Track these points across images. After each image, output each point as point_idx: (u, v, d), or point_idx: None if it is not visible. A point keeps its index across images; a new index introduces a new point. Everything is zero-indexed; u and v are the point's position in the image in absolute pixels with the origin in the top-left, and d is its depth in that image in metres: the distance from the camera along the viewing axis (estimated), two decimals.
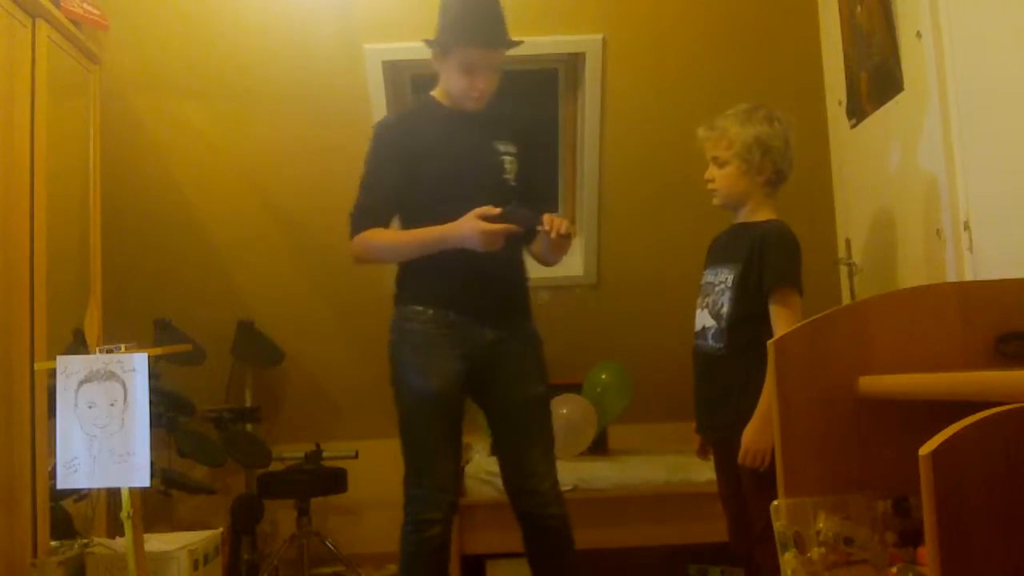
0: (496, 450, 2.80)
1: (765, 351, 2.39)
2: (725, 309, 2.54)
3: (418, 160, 2.63)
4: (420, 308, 2.65)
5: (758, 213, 2.60)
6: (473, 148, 2.68)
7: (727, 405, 2.53)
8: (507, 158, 2.71)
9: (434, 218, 2.58)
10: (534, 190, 2.75)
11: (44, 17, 2.98)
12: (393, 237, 2.66)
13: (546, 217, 2.52)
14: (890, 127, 2.86)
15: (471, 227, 2.50)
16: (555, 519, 2.69)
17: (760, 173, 2.56)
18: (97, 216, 3.41)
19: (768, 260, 2.49)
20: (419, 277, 2.67)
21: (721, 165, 2.60)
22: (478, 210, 2.50)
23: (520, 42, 2.65)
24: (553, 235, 2.50)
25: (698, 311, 2.65)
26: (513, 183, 2.69)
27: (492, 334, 2.66)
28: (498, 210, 2.50)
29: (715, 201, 2.65)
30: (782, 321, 2.44)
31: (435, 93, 2.76)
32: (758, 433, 2.41)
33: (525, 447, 2.69)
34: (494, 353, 2.66)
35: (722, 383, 2.56)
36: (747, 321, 2.51)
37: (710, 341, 2.58)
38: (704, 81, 3.72)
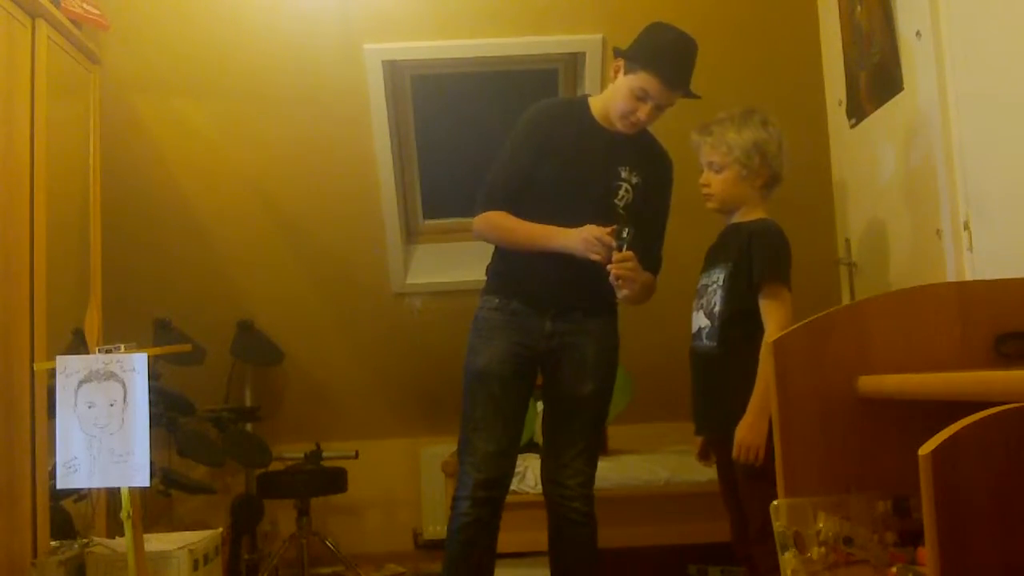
0: (543, 439, 2.91)
1: (758, 347, 2.42)
2: (718, 307, 2.56)
3: (544, 156, 2.70)
4: (489, 297, 2.78)
5: (750, 214, 2.62)
6: (595, 165, 2.72)
7: (722, 402, 2.54)
8: (624, 185, 2.73)
9: (533, 216, 2.68)
10: (640, 225, 2.71)
11: (44, 17, 2.98)
12: (513, 225, 2.71)
13: (617, 255, 2.52)
14: (890, 127, 2.85)
15: (580, 230, 2.56)
16: (578, 514, 2.75)
17: (758, 177, 2.59)
18: (97, 216, 3.41)
19: (756, 256, 2.51)
20: (496, 270, 2.80)
21: (719, 170, 2.61)
22: (592, 229, 2.55)
23: (697, 96, 2.67)
24: (612, 269, 2.52)
25: (694, 313, 2.66)
26: (621, 211, 2.71)
27: (552, 326, 2.73)
28: (612, 227, 2.55)
29: (709, 205, 2.66)
30: (772, 316, 2.46)
31: (593, 99, 2.82)
32: (751, 428, 2.42)
33: (565, 440, 2.77)
34: (553, 346, 2.74)
35: (717, 381, 2.57)
36: (739, 317, 2.52)
37: (704, 340, 2.59)
38: (703, 81, 3.71)
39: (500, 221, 2.72)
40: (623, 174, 2.72)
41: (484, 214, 2.74)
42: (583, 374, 2.74)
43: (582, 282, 2.69)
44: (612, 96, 2.71)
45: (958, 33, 2.39)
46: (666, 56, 2.64)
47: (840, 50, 3.21)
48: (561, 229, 2.62)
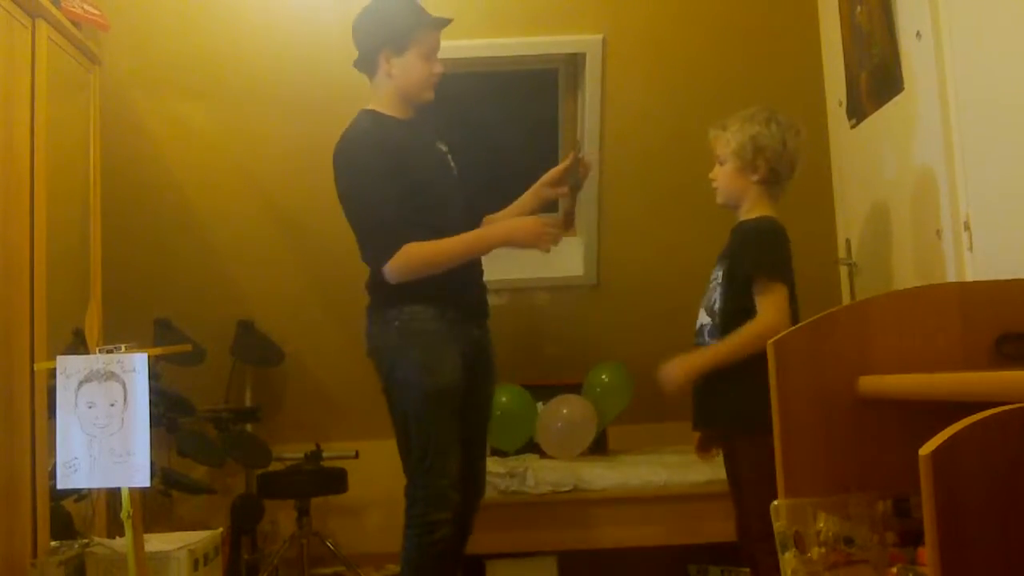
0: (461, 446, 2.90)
1: None
2: (717, 305, 2.59)
3: (398, 170, 2.68)
4: (420, 307, 2.67)
5: (753, 211, 2.64)
6: (429, 151, 2.82)
7: (722, 398, 2.56)
8: (448, 155, 2.87)
9: (420, 226, 2.65)
10: (465, 181, 2.93)
11: (44, 17, 2.98)
12: (438, 246, 2.66)
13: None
14: (890, 127, 2.86)
15: (520, 224, 2.71)
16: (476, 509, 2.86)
17: (755, 172, 2.61)
18: (97, 216, 3.41)
19: (749, 252, 2.54)
20: (422, 279, 2.68)
21: (722, 163, 2.66)
22: (538, 218, 2.72)
23: (449, 20, 2.79)
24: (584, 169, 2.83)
25: (699, 310, 2.67)
26: (457, 176, 2.87)
27: (477, 332, 2.81)
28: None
29: (717, 199, 2.69)
30: (764, 310, 2.47)
31: (375, 107, 2.80)
32: (682, 364, 2.54)
33: (480, 441, 2.89)
34: (478, 351, 2.79)
35: (716, 378, 2.58)
36: (738, 315, 2.53)
37: (706, 337, 2.61)
38: (704, 81, 3.72)
39: (425, 249, 2.65)
40: (443, 148, 2.86)
41: (401, 253, 2.63)
42: (492, 377, 2.89)
43: (484, 283, 2.86)
44: (403, 81, 2.75)
45: (958, 33, 2.39)
46: (415, 12, 2.75)
47: (840, 50, 3.21)
48: (489, 228, 2.76)
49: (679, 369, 2.54)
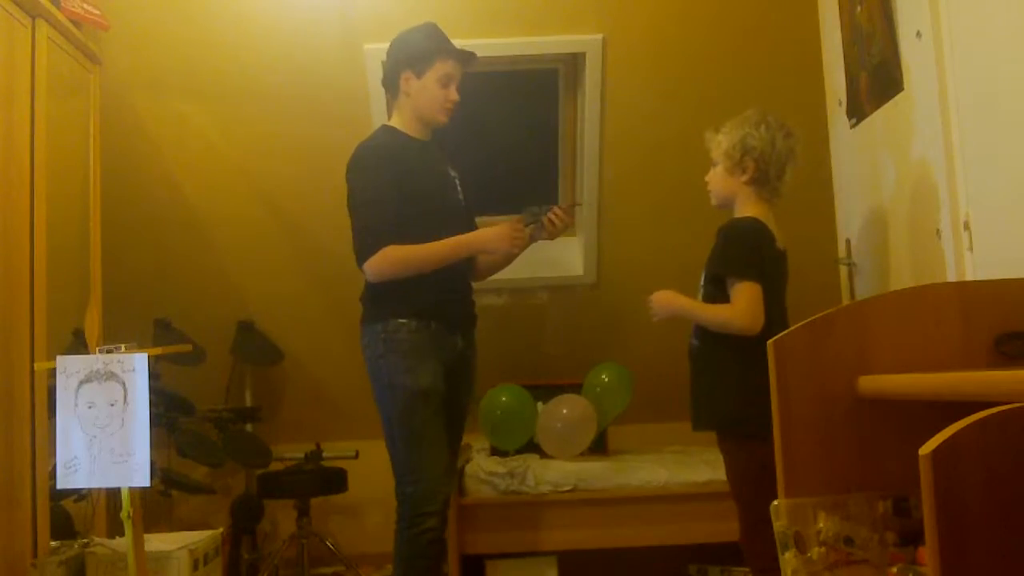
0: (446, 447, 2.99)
1: (734, 341, 2.49)
2: None
3: (403, 182, 2.80)
4: (404, 321, 2.80)
5: (743, 212, 2.68)
6: (438, 173, 2.94)
7: (706, 396, 2.62)
8: (457, 181, 2.98)
9: (414, 237, 2.77)
10: (472, 209, 3.07)
11: (44, 17, 2.98)
12: (418, 250, 2.78)
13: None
14: (890, 127, 2.86)
15: (493, 232, 2.83)
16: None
17: (744, 172, 2.64)
18: (97, 216, 3.41)
19: (720, 252, 2.60)
20: (398, 292, 2.80)
21: (715, 165, 2.71)
22: (509, 224, 2.84)
23: (472, 53, 2.92)
24: (561, 221, 2.90)
25: None
26: (464, 203, 2.99)
27: (461, 343, 2.91)
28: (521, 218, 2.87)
29: (711, 201, 2.75)
30: (734, 304, 2.52)
31: (394, 124, 2.96)
32: (676, 299, 2.65)
33: (456, 444, 3.00)
34: (460, 360, 2.90)
35: (698, 376, 2.65)
36: None
37: (693, 338, 2.68)
38: (704, 81, 3.72)
39: (403, 251, 2.77)
40: (452, 173, 2.97)
41: (380, 253, 2.74)
42: (471, 384, 3.00)
43: (472, 297, 2.97)
44: (419, 101, 2.89)
45: (958, 33, 2.39)
46: (438, 41, 2.86)
47: (840, 50, 3.21)
48: (465, 235, 2.85)
49: (669, 299, 2.68)
